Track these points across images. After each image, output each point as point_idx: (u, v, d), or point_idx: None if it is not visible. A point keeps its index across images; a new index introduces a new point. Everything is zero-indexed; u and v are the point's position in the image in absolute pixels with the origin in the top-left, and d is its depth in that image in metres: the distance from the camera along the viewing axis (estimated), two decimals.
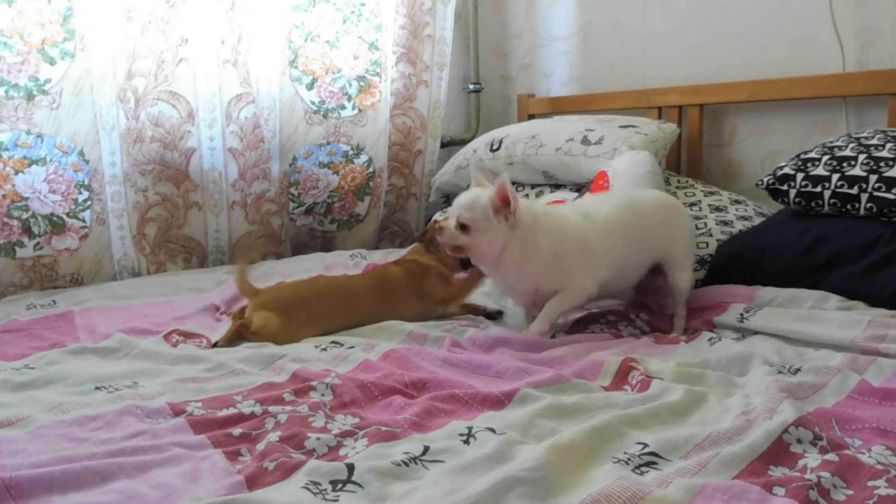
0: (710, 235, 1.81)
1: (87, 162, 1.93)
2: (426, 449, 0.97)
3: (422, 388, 1.23)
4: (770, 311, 1.47)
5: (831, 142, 1.71)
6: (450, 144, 2.76)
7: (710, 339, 1.40)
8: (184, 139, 2.08)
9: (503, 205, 1.39)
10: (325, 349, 1.40)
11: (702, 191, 2.05)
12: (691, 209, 1.93)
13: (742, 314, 1.49)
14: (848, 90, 1.96)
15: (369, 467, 0.91)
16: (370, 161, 2.43)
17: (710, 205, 1.96)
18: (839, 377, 1.15)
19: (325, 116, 2.33)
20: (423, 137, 2.57)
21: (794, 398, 1.06)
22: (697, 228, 1.85)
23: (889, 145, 1.60)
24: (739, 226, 1.84)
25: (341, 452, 0.99)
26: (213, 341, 1.46)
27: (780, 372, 1.19)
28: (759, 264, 1.64)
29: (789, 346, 1.35)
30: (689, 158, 2.31)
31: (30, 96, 1.86)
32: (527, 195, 2.25)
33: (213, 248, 2.20)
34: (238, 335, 1.47)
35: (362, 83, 2.37)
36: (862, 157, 1.60)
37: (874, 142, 1.64)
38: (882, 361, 1.21)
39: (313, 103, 2.31)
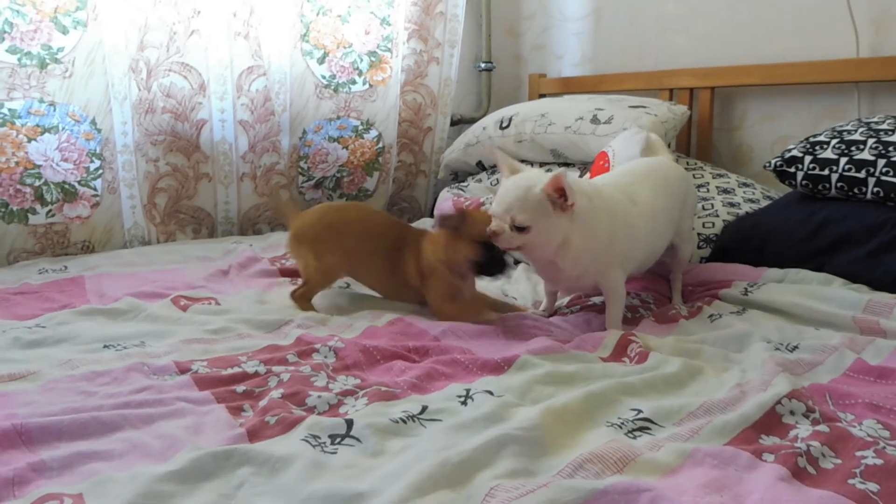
0: (717, 216, 1.81)
1: (100, 131, 1.95)
2: (424, 408, 0.99)
3: (424, 353, 1.25)
4: (774, 287, 1.47)
5: (841, 125, 1.71)
6: (460, 122, 2.77)
7: (711, 315, 1.41)
8: (195, 111, 2.10)
9: (558, 195, 1.26)
10: (330, 315, 1.42)
11: (710, 173, 2.05)
12: (699, 190, 1.93)
13: (746, 288, 1.49)
14: (861, 76, 1.94)
15: (368, 423, 0.93)
16: (380, 136, 2.44)
17: (717, 186, 1.96)
18: (836, 355, 1.16)
19: (335, 91, 2.34)
20: (433, 114, 2.57)
21: (790, 373, 1.07)
22: (704, 209, 1.85)
23: None
24: (746, 208, 1.84)
25: (341, 410, 1.01)
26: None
27: (777, 349, 1.20)
28: (764, 245, 1.64)
29: (790, 324, 1.35)
30: (699, 141, 2.31)
31: (42, 64, 1.88)
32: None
33: (222, 220, 2.22)
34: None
35: (373, 58, 2.38)
36: (871, 140, 1.60)
37: (885, 126, 1.63)
38: (880, 342, 1.22)
39: (324, 77, 2.32)
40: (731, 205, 1.86)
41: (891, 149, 1.55)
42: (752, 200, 1.89)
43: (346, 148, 2.40)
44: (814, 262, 1.55)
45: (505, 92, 2.93)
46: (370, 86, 2.39)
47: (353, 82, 2.37)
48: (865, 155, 1.58)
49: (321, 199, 2.44)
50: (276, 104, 2.24)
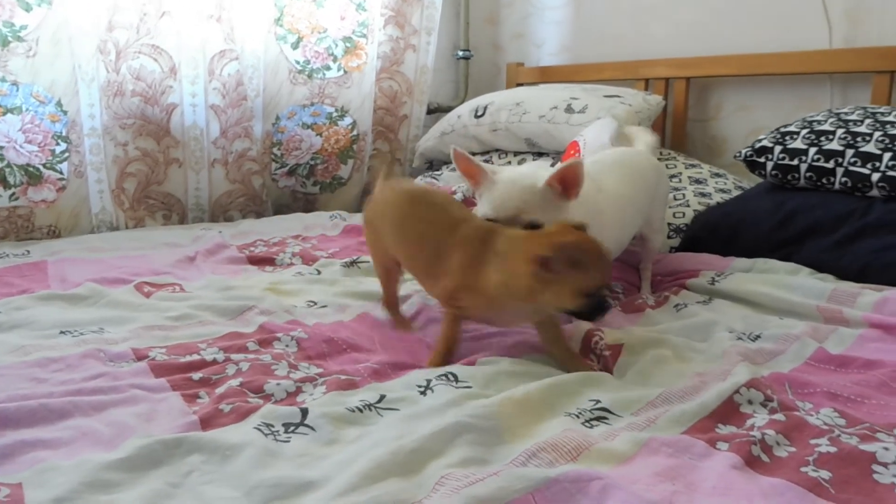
0: (688, 206, 1.82)
1: (66, 113, 1.91)
2: (382, 397, 0.98)
3: (389, 345, 1.24)
4: (741, 276, 1.48)
5: (812, 116, 1.71)
6: (437, 111, 2.75)
7: (677, 305, 1.41)
8: (165, 94, 2.06)
9: (565, 186, 1.21)
10: (294, 306, 1.40)
11: (683, 163, 2.05)
12: (671, 180, 1.93)
13: (714, 277, 1.49)
14: (834, 67, 1.95)
15: (323, 412, 0.92)
16: (354, 124, 2.42)
17: (690, 177, 1.96)
18: (798, 344, 1.16)
19: (309, 77, 2.31)
20: (409, 102, 2.55)
21: (751, 363, 1.07)
22: (675, 200, 1.85)
23: (868, 121, 1.60)
24: (718, 198, 1.85)
25: (299, 398, 1.00)
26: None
27: (740, 338, 1.20)
28: (734, 235, 1.64)
29: (755, 313, 1.35)
30: (673, 132, 2.31)
31: (4, 42, 1.83)
32: (509, 162, 2.24)
33: (192, 206, 2.19)
34: None
35: (348, 44, 2.35)
36: (840, 131, 1.60)
37: (854, 117, 1.64)
38: (843, 331, 1.22)
39: (298, 63, 2.29)
40: (703, 195, 1.86)
41: (859, 139, 1.56)
42: (723, 191, 1.89)
43: (320, 135, 2.37)
44: (782, 252, 1.55)
45: (483, 81, 2.91)
46: (345, 72, 2.37)
47: (328, 68, 2.34)
48: (834, 145, 1.58)
49: (294, 187, 2.42)
50: (249, 89, 2.21)
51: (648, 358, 1.12)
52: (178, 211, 2.17)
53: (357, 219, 2.19)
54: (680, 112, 2.27)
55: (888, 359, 1.09)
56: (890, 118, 1.58)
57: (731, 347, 1.13)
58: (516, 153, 2.25)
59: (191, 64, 2.08)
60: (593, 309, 1.04)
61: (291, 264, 1.71)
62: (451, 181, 2.12)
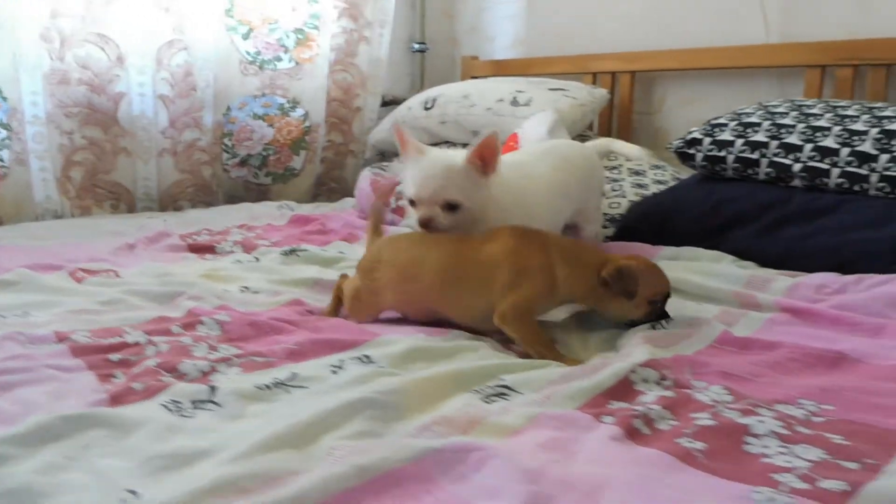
0: (624, 196, 1.86)
1: (6, 100, 1.91)
2: (294, 375, 1.00)
3: (316, 329, 1.26)
4: (665, 265, 1.50)
5: (742, 109, 1.76)
6: (393, 103, 2.76)
7: None
8: (112, 83, 2.07)
9: (484, 161, 1.24)
10: (226, 291, 1.42)
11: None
12: (612, 172, 1.98)
13: None
14: (770, 61, 2.00)
15: (233, 389, 0.95)
16: (307, 115, 2.43)
17: (629, 168, 2.01)
18: (706, 328, 1.19)
19: (260, 67, 2.33)
20: (362, 95, 2.57)
21: (656, 346, 1.11)
22: (613, 191, 1.89)
23: (794, 113, 1.65)
24: (654, 189, 1.89)
25: (212, 378, 1.02)
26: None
27: (653, 325, 1.24)
28: (665, 224, 1.69)
29: (675, 299, 1.39)
30: (619, 125, 2.35)
31: None
32: None
33: (141, 196, 2.19)
34: (338, 302, 1.31)
35: (300, 36, 2.37)
36: (766, 123, 1.65)
37: (781, 110, 1.69)
38: (753, 315, 1.27)
39: (249, 54, 2.30)
40: (640, 186, 1.91)
41: (783, 131, 1.61)
42: (661, 182, 1.94)
43: (272, 126, 2.39)
44: (710, 241, 1.60)
45: (439, 73, 2.94)
46: (297, 63, 2.38)
47: (279, 59, 2.35)
48: (760, 137, 1.63)
49: (246, 178, 2.43)
50: (199, 79, 2.22)
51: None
52: (126, 200, 2.18)
53: (306, 208, 2.21)
54: (625, 105, 2.32)
55: (788, 340, 1.14)
56: (814, 111, 1.64)
57: (639, 332, 1.16)
58: (465, 145, 2.28)
59: (139, 53, 2.08)
60: (654, 316, 1.21)
61: (232, 252, 1.73)
62: (397, 171, 2.15)
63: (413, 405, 0.92)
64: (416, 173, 1.26)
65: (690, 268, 1.48)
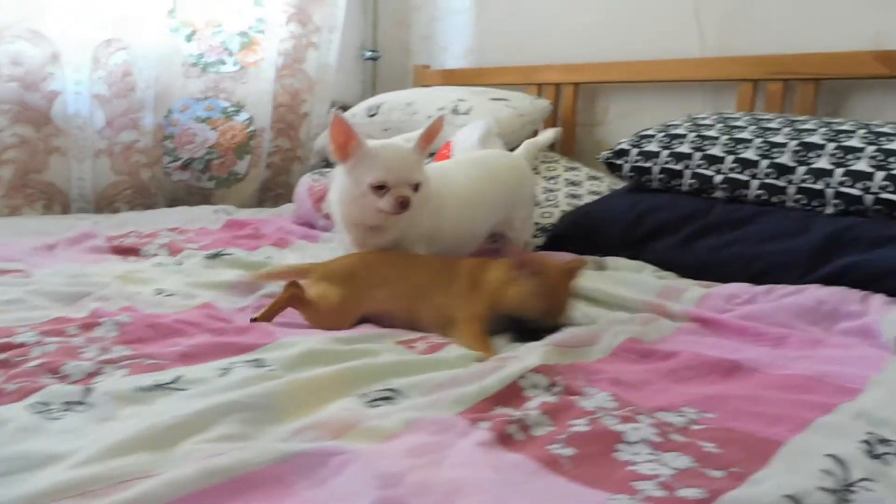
0: (557, 206, 1.86)
1: None
2: (177, 378, 0.98)
3: (220, 332, 1.24)
4: (585, 274, 1.52)
5: (671, 121, 1.78)
6: (344, 110, 2.76)
7: None
8: (46, 81, 2.03)
9: (426, 146, 1.37)
10: (138, 293, 1.39)
11: (564, 166, 2.10)
12: (549, 182, 1.98)
13: None
14: (705, 75, 2.03)
15: (108, 391, 0.92)
16: (251, 119, 2.42)
17: (567, 179, 2.01)
18: (611, 336, 1.19)
19: (203, 70, 2.31)
20: (310, 100, 2.56)
21: (554, 352, 1.10)
22: (547, 200, 1.90)
23: (719, 125, 1.67)
24: (588, 199, 1.90)
25: (96, 380, 0.99)
26: (251, 317, 1.27)
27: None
28: (592, 234, 1.69)
29: (591, 308, 1.39)
30: (563, 136, 2.36)
31: None
32: None
33: (76, 197, 2.16)
34: (283, 308, 1.28)
35: (245, 39, 2.35)
36: (692, 135, 1.67)
37: (707, 122, 1.70)
38: (663, 323, 1.27)
39: (192, 56, 2.28)
40: (574, 196, 1.91)
41: (706, 142, 1.62)
42: (595, 192, 1.94)
43: (215, 129, 2.36)
44: (633, 250, 1.60)
45: (392, 82, 2.94)
46: (241, 67, 2.37)
47: (223, 62, 2.34)
48: (685, 148, 1.65)
49: (189, 181, 2.40)
50: (140, 80, 2.19)
51: (463, 353, 1.14)
52: (60, 201, 2.14)
53: (244, 213, 2.19)
54: (568, 116, 2.33)
55: (688, 349, 1.14)
56: (739, 123, 1.65)
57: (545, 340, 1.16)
58: None
59: (75, 51, 2.05)
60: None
61: (156, 255, 1.71)
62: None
63: (290, 409, 0.90)
64: (383, 159, 1.32)
65: (609, 277, 1.48)
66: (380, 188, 1.31)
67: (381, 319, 1.29)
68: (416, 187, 1.32)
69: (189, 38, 2.27)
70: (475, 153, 1.66)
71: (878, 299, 1.23)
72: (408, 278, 1.31)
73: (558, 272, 1.24)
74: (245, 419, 0.86)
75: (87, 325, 1.18)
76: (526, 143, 1.80)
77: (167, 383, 0.97)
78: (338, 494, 0.73)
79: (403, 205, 1.30)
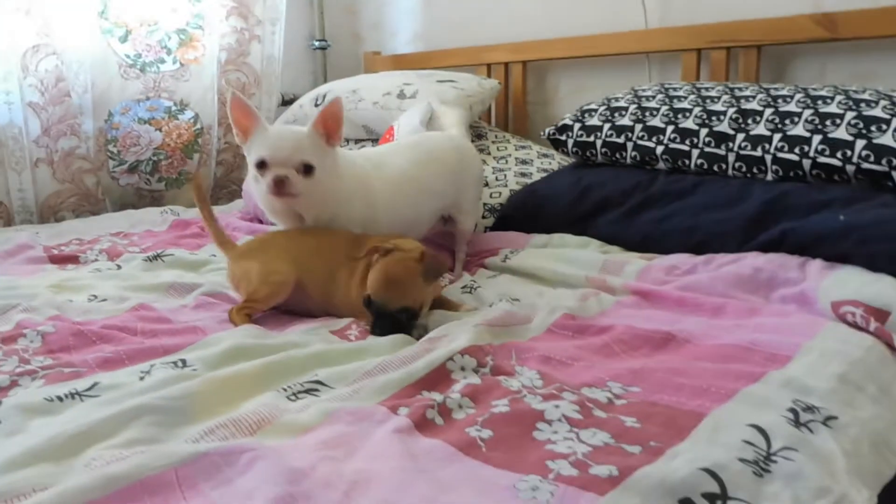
0: (506, 186, 1.84)
1: None
2: (94, 385, 0.95)
3: (153, 335, 1.21)
4: (530, 252, 1.50)
5: (614, 94, 1.76)
6: (294, 101, 2.71)
7: (465, 286, 1.41)
8: None
9: (328, 130, 1.28)
10: (69, 301, 1.36)
11: (514, 145, 2.07)
12: (499, 162, 1.96)
13: (507, 255, 1.52)
14: (649, 46, 2.00)
15: (18, 404, 0.90)
16: (197, 117, 2.37)
17: (517, 158, 1.99)
18: (546, 314, 1.17)
19: (142, 70, 2.25)
20: (258, 94, 2.52)
21: (486, 332, 1.08)
22: (497, 180, 1.87)
23: (659, 96, 1.65)
24: (537, 178, 1.87)
25: (11, 392, 0.96)
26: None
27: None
28: (539, 212, 1.67)
29: (533, 285, 1.38)
30: (515, 115, 2.34)
31: None
32: (350, 149, 2.23)
33: (18, 208, 2.10)
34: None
35: (183, 36, 2.30)
36: (633, 107, 1.65)
37: (648, 93, 1.69)
38: (604, 298, 1.25)
39: (128, 57, 2.23)
40: (523, 175, 1.89)
41: (647, 114, 1.61)
42: (545, 170, 1.92)
43: (160, 130, 2.31)
44: (579, 226, 1.58)
45: (343, 70, 2.89)
46: (181, 65, 2.31)
47: (162, 61, 2.28)
48: (626, 121, 1.63)
49: (138, 184, 2.35)
50: (75, 85, 2.14)
51: (399, 339, 1.11)
52: (2, 214, 2.08)
53: (191, 213, 2.14)
54: (519, 95, 2.31)
55: (623, 323, 1.13)
56: (680, 93, 1.64)
57: (474, 317, 1.14)
58: (356, 140, 2.24)
59: (1, 60, 1.99)
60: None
61: (95, 261, 1.66)
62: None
63: (205, 408, 0.88)
64: (268, 138, 1.27)
65: (551, 255, 1.47)
66: (261, 167, 1.26)
67: (298, 301, 1.28)
68: (306, 170, 1.25)
69: (123, 38, 2.21)
70: (415, 136, 1.62)
71: (815, 265, 1.22)
72: (321, 255, 1.29)
73: (404, 258, 1.19)
74: (156, 422, 0.84)
75: (9, 338, 1.14)
76: (453, 121, 1.74)
77: (83, 391, 0.94)
78: (241, 493, 0.71)
79: (279, 185, 1.24)
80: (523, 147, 2.06)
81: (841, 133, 1.34)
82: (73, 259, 1.68)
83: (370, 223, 1.38)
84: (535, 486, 0.69)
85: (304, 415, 0.85)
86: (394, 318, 1.16)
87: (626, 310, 1.21)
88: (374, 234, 1.35)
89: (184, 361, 1.02)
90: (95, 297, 1.39)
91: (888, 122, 1.31)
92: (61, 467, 0.75)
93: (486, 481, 0.71)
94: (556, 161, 1.99)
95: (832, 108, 1.38)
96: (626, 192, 1.55)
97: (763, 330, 1.05)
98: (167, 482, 0.72)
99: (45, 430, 0.82)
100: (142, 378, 0.98)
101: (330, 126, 1.29)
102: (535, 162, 1.97)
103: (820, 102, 1.42)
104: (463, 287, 1.41)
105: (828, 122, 1.37)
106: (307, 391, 0.93)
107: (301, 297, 1.28)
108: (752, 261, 1.26)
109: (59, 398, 0.92)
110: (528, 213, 1.69)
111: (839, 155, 1.33)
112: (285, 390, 0.93)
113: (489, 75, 2.35)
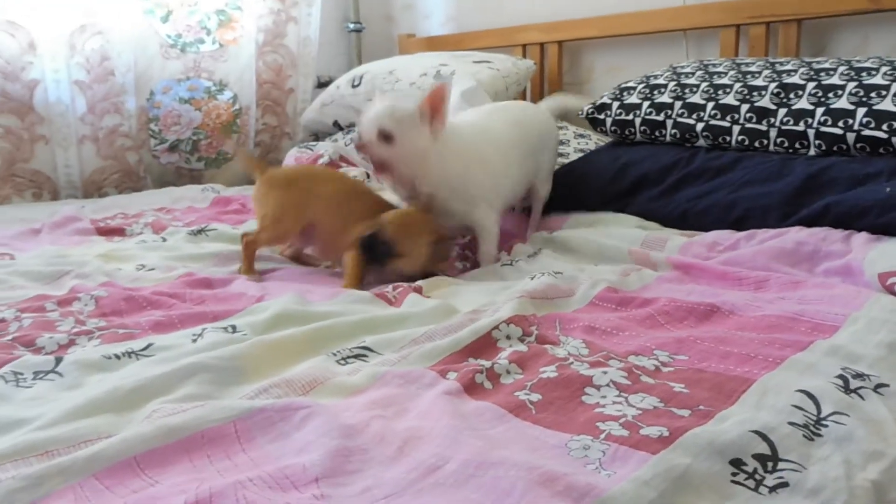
0: None
1: None
2: (148, 345, 0.98)
3: (200, 301, 1.24)
4: (571, 230, 1.51)
5: (653, 72, 1.74)
6: (329, 83, 2.73)
7: (504, 263, 1.41)
8: (26, 70, 2.02)
9: (432, 111, 1.31)
10: (118, 270, 1.39)
11: None
12: None
13: (545, 234, 1.52)
14: (686, 23, 1.99)
15: (77, 360, 0.93)
16: (235, 98, 2.40)
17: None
18: (589, 287, 1.18)
19: (182, 51, 2.29)
20: (294, 76, 2.54)
21: (530, 303, 1.09)
22: None
23: (699, 73, 1.63)
24: (574, 157, 1.87)
25: (70, 350, 1.00)
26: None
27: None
28: (577, 191, 1.67)
29: (574, 262, 1.38)
30: (551, 95, 2.33)
31: None
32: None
33: (64, 184, 2.16)
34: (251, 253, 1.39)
35: (222, 17, 2.33)
36: (672, 84, 1.64)
37: (687, 70, 1.67)
38: (645, 272, 1.25)
39: (169, 37, 2.27)
40: (561, 155, 1.89)
41: (687, 91, 1.59)
42: (582, 151, 1.92)
43: (199, 110, 2.35)
44: (617, 204, 1.58)
45: (376, 53, 2.90)
46: (220, 45, 2.34)
47: (202, 42, 2.31)
48: (665, 98, 1.62)
49: (178, 163, 2.39)
50: (119, 64, 2.18)
51: (436, 305, 1.13)
52: (49, 189, 2.14)
53: (231, 191, 2.18)
54: (554, 76, 2.30)
55: (666, 295, 1.13)
56: (720, 69, 1.62)
57: (519, 287, 1.15)
58: None
59: (50, 39, 2.04)
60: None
61: (140, 234, 1.70)
62: (319, 148, 2.12)
63: (257, 369, 0.90)
64: (365, 114, 1.35)
65: (593, 231, 1.47)
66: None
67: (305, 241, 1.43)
68: (385, 136, 1.30)
69: (165, 18, 2.25)
70: (493, 104, 1.64)
71: (860, 238, 1.21)
72: (341, 209, 1.38)
73: (428, 218, 1.33)
74: (210, 380, 0.87)
75: (65, 301, 1.18)
76: (554, 97, 1.78)
77: (138, 350, 0.97)
78: (297, 447, 0.73)
79: (360, 148, 1.34)
80: (560, 127, 2.06)
81: (887, 104, 1.32)
82: (119, 231, 1.73)
83: (495, 194, 1.42)
84: (587, 445, 0.70)
85: (354, 377, 0.87)
86: (375, 240, 1.26)
87: (667, 284, 1.21)
88: (494, 201, 1.43)
89: (234, 327, 1.04)
90: (143, 266, 1.42)
91: None
92: (123, 418, 0.78)
93: (536, 440, 0.72)
94: (594, 141, 1.98)
95: (877, 80, 1.36)
96: (665, 169, 1.54)
97: (808, 301, 1.05)
98: (226, 434, 0.74)
99: (104, 385, 0.85)
100: (194, 340, 1.00)
101: (435, 108, 1.31)
102: (572, 142, 1.97)
103: (864, 74, 1.40)
104: (503, 263, 1.42)
105: (873, 94, 1.35)
106: (356, 356, 0.95)
107: (309, 238, 1.43)
108: (795, 235, 1.25)
109: (117, 356, 0.95)
110: (565, 192, 1.69)
111: (885, 127, 1.31)
112: (335, 355, 0.95)
113: (524, 56, 2.34)
